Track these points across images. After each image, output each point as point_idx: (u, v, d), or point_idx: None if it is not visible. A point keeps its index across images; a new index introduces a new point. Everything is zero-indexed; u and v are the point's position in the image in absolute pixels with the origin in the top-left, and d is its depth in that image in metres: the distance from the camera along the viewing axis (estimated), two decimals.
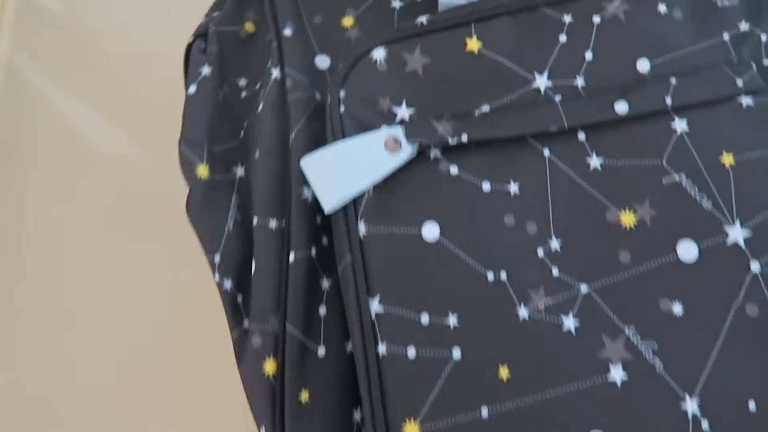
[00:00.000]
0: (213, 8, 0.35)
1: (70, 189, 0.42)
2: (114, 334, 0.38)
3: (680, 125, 0.28)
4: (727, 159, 0.27)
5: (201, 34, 0.34)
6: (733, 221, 0.26)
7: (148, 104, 0.44)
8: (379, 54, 0.30)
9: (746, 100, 0.28)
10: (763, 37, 0.29)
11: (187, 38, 0.34)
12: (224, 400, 0.35)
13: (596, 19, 0.30)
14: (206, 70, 0.32)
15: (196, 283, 0.37)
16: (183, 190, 0.31)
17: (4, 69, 0.45)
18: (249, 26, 0.35)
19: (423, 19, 0.30)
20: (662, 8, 0.30)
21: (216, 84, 0.32)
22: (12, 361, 0.38)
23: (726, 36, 0.29)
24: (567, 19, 0.30)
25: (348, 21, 0.34)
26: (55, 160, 0.43)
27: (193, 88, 0.31)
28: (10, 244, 0.41)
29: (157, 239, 0.40)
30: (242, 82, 0.34)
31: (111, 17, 0.47)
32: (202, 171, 0.31)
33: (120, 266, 0.40)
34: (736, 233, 0.26)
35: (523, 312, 0.25)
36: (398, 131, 0.28)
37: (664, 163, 0.27)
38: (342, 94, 0.30)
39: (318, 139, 0.30)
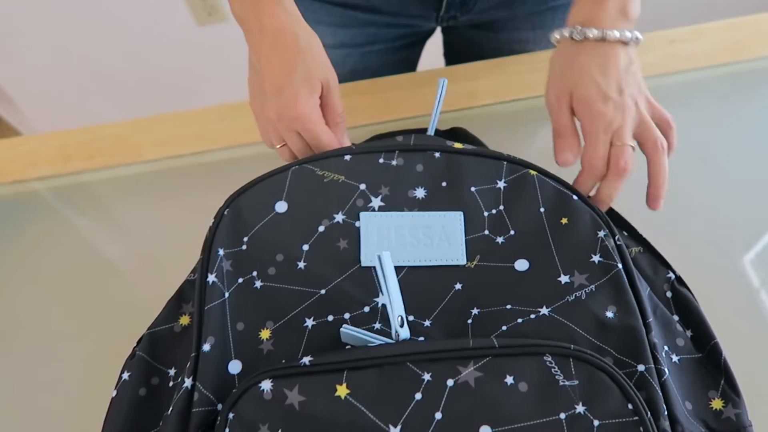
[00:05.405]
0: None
1: None
2: None
3: None
4: None
5: (139, 341, 0.41)
6: None
7: None
8: (266, 385, 0.35)
9: None
10: (596, 423, 0.33)
11: None
12: None
13: (450, 382, 0.34)
14: (126, 375, 0.39)
15: None
16: None
17: None
18: (184, 320, 0.42)
19: (306, 359, 0.36)
20: (509, 380, 0.34)
21: (137, 385, 0.39)
22: None
23: (563, 415, 0.33)
24: (426, 377, 0.34)
25: (265, 334, 0.40)
26: None
27: (114, 392, 0.38)
28: None
29: None
30: (172, 371, 0.41)
31: None
32: None
33: None
34: None
35: None
36: None
37: None
38: (230, 416, 0.35)
39: None
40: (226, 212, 0.42)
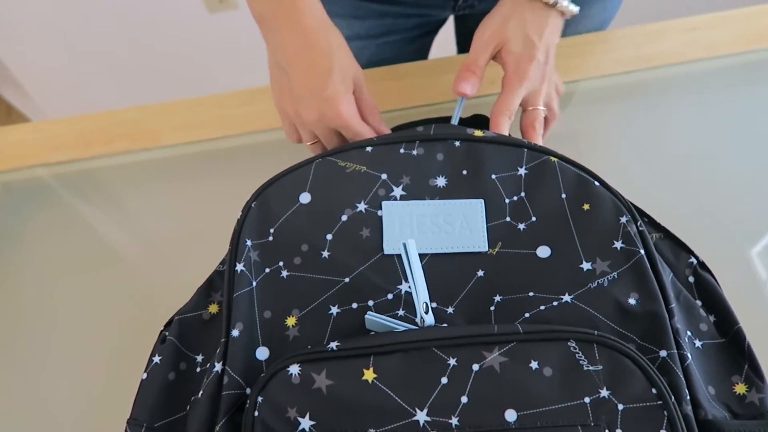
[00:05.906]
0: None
1: None
2: None
3: None
4: None
5: (167, 324, 0.42)
6: None
7: None
8: (294, 369, 0.36)
9: None
10: (620, 407, 0.33)
11: None
12: None
13: (475, 367, 0.35)
14: (157, 358, 0.40)
15: None
16: None
17: None
18: (213, 308, 0.43)
19: (334, 344, 0.36)
20: (534, 365, 0.34)
21: (167, 368, 0.40)
22: None
23: (587, 399, 0.33)
24: (451, 362, 0.35)
25: (291, 321, 0.40)
26: None
27: (144, 375, 0.39)
28: None
29: None
30: (199, 358, 0.42)
31: None
32: None
33: None
34: None
35: None
36: None
37: None
38: (259, 399, 0.36)
39: (237, 428, 0.36)
40: (253, 204, 0.43)
